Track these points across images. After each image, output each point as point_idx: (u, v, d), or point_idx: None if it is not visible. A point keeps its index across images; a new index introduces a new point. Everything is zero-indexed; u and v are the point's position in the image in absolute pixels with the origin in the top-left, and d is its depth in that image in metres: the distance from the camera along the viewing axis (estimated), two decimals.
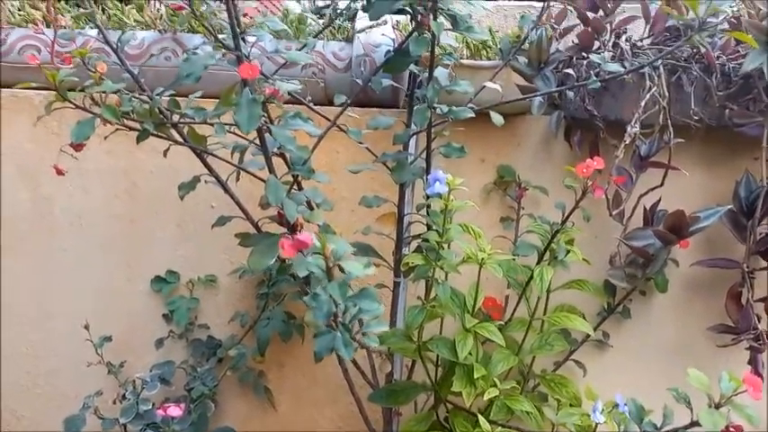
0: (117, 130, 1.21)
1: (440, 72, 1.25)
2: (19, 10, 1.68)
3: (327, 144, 1.48)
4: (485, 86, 1.30)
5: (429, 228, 1.37)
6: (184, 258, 1.71)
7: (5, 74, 1.70)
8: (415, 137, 1.44)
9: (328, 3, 1.67)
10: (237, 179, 1.37)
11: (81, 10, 1.66)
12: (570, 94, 1.34)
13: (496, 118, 1.28)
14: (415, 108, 1.23)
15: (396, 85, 1.36)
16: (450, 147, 1.28)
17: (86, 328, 1.58)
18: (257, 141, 1.20)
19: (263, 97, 1.05)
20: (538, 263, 1.35)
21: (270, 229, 1.32)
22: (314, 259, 0.87)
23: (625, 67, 1.37)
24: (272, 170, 1.18)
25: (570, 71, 1.32)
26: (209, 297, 1.72)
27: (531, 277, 1.34)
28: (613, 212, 1.39)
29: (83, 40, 1.67)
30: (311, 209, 1.30)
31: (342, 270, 0.96)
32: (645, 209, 1.50)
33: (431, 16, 1.13)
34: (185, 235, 1.70)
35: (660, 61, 1.38)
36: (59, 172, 1.16)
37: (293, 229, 1.24)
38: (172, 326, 1.71)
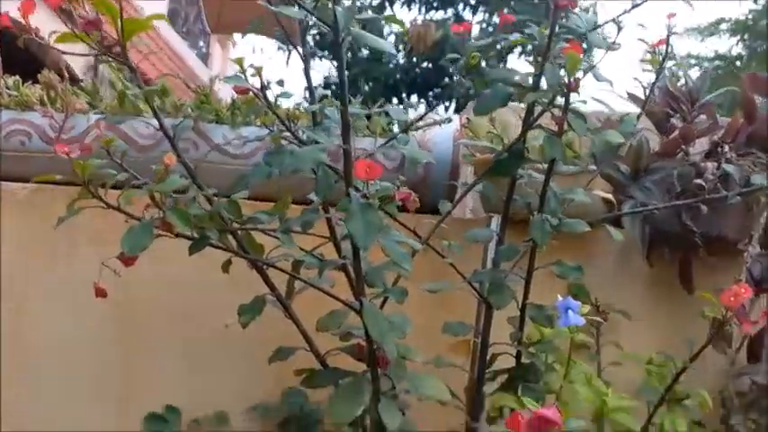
0: (159, 236, 0.94)
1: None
2: (8, 88, 1.41)
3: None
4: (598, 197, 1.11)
5: (518, 361, 1.14)
6: (189, 391, 1.39)
7: None
8: None
9: None
10: (290, 298, 1.11)
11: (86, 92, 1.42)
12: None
13: (616, 234, 1.09)
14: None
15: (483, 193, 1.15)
16: (565, 266, 1.07)
17: None
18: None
19: (378, 202, 0.82)
20: (657, 406, 1.12)
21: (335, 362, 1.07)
22: None
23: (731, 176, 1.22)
24: (363, 293, 0.93)
25: (701, 182, 1.15)
26: None
27: (651, 423, 1.10)
28: (735, 347, 1.20)
29: (84, 125, 1.42)
30: None
31: None
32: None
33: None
34: (192, 359, 1.40)
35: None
36: (100, 292, 0.87)
37: (375, 364, 0.98)
38: None
